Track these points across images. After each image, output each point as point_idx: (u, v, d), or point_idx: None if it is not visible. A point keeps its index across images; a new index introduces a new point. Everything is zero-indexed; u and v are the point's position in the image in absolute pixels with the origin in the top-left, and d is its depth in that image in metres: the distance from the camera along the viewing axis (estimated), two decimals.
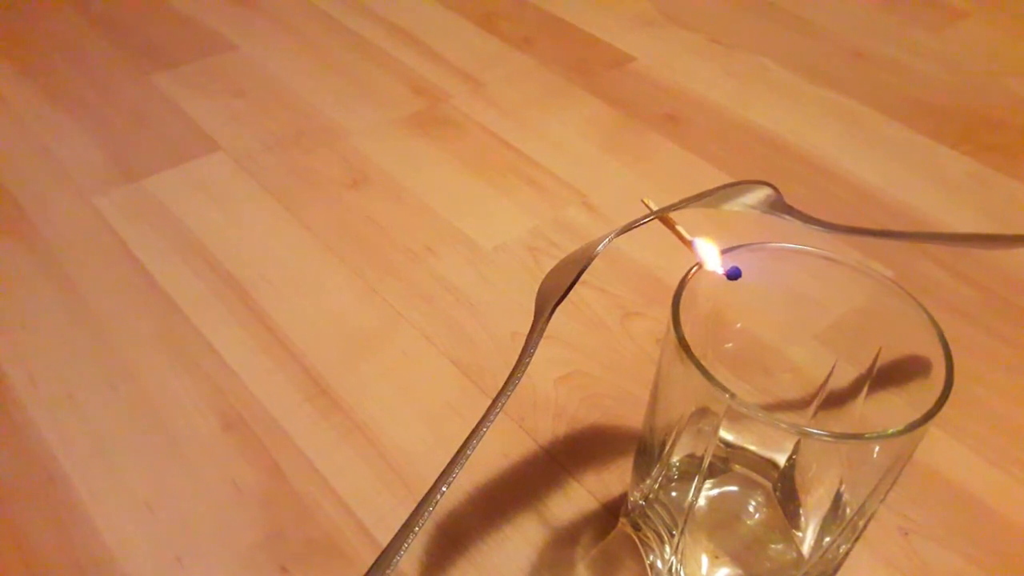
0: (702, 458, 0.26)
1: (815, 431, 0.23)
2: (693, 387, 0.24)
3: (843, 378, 0.30)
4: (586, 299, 0.42)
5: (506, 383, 0.24)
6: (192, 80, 0.56)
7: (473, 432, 0.23)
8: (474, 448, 0.23)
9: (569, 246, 0.44)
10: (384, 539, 0.31)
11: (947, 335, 0.40)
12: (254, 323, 0.40)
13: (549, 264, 0.44)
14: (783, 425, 0.23)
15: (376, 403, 0.36)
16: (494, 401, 0.23)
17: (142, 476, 0.33)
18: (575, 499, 0.33)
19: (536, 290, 0.27)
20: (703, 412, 0.26)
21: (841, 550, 0.28)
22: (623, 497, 0.33)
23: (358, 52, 0.59)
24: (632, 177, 0.50)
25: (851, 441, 0.25)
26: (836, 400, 0.30)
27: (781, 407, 0.32)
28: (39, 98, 0.54)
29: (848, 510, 0.27)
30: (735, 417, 0.28)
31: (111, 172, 0.48)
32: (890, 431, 0.23)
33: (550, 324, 0.40)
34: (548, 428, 0.36)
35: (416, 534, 0.22)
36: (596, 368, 0.38)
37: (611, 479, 0.34)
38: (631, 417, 0.36)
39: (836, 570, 0.29)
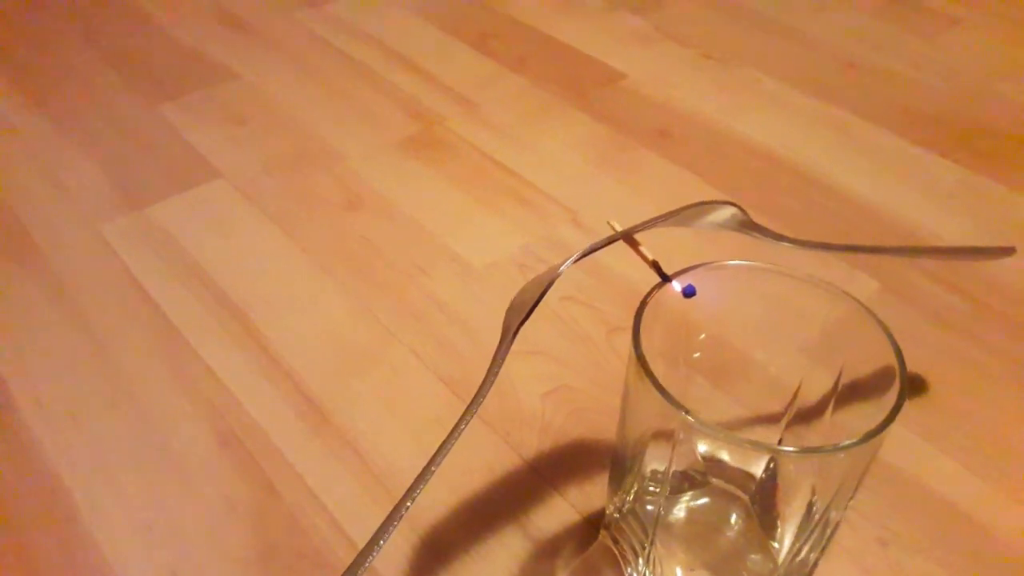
0: (672, 472, 0.27)
1: (765, 444, 0.24)
2: (654, 403, 0.25)
3: (812, 389, 0.30)
4: (573, 314, 0.43)
5: (471, 401, 0.25)
6: (196, 109, 0.57)
7: (438, 451, 0.24)
8: (439, 464, 0.24)
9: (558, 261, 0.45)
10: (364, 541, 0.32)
11: (935, 346, 0.41)
12: (250, 343, 0.41)
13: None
14: (731, 439, 0.24)
15: (366, 419, 0.38)
16: (459, 419, 0.24)
17: (141, 492, 0.35)
18: (557, 512, 0.34)
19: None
20: (667, 427, 0.27)
21: (811, 557, 0.28)
22: (604, 510, 0.34)
23: (356, 77, 0.61)
24: (623, 194, 0.51)
25: (810, 455, 0.25)
26: (807, 411, 0.31)
27: (755, 419, 0.32)
28: (48, 127, 0.56)
29: (817, 518, 0.28)
30: (701, 432, 0.29)
31: (117, 200, 0.50)
32: (846, 443, 0.24)
33: (537, 338, 0.41)
34: (533, 443, 0.37)
35: (380, 547, 0.23)
36: (582, 383, 0.39)
37: (593, 492, 0.35)
38: (614, 432, 0.37)
39: (810, 574, 0.29)
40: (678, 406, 0.24)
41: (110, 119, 0.57)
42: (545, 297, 0.40)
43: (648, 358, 0.25)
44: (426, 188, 0.51)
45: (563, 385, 0.39)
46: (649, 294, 0.27)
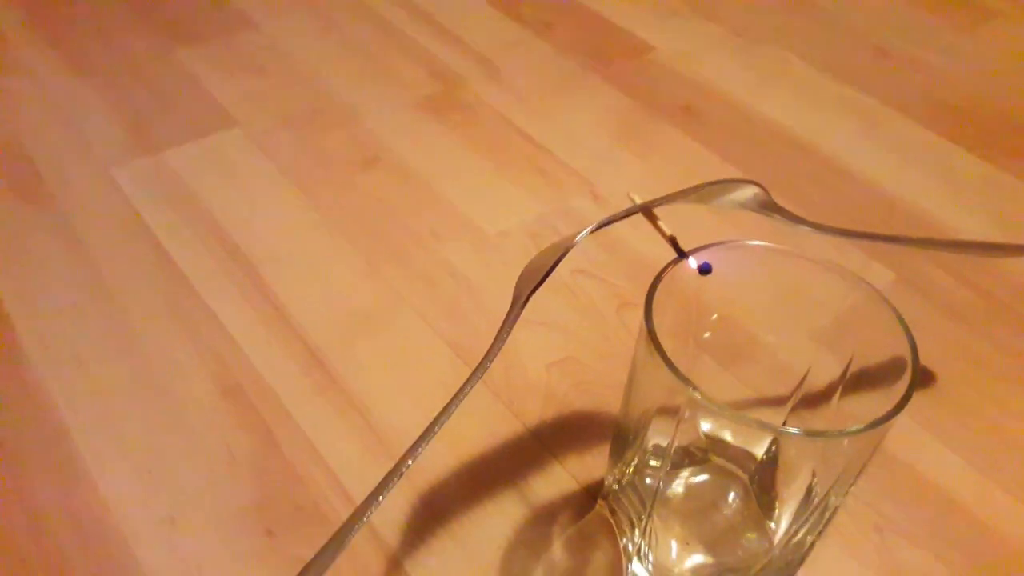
0: (670, 445, 0.27)
1: (770, 424, 0.24)
2: (662, 378, 0.25)
3: (821, 375, 0.30)
4: (584, 287, 0.42)
5: (477, 367, 0.25)
6: (214, 57, 0.57)
7: (443, 411, 0.24)
8: (442, 424, 0.24)
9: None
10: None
11: (946, 340, 0.40)
12: (259, 297, 0.41)
13: None
14: (737, 417, 0.24)
15: (371, 380, 0.38)
16: (464, 383, 0.24)
17: (142, 438, 0.35)
18: (556, 480, 0.34)
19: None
20: (673, 403, 0.26)
21: (808, 540, 0.28)
22: (603, 481, 0.34)
23: (379, 33, 0.60)
24: (643, 169, 0.50)
25: (816, 439, 0.25)
26: (814, 396, 0.31)
27: (761, 401, 0.32)
28: (64, 69, 0.55)
29: (816, 501, 0.28)
30: (707, 410, 0.28)
31: (130, 144, 0.50)
32: (852, 429, 0.23)
33: (546, 310, 0.41)
34: (536, 411, 0.37)
35: (379, 502, 0.23)
36: (589, 356, 0.39)
37: (593, 463, 0.35)
38: (619, 405, 0.37)
39: (802, 561, 0.29)
40: (686, 382, 0.24)
41: (126, 63, 0.56)
42: (557, 268, 0.40)
43: (658, 334, 0.25)
44: (443, 151, 0.50)
45: (570, 356, 0.39)
46: (664, 269, 0.26)
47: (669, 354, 0.25)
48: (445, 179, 0.48)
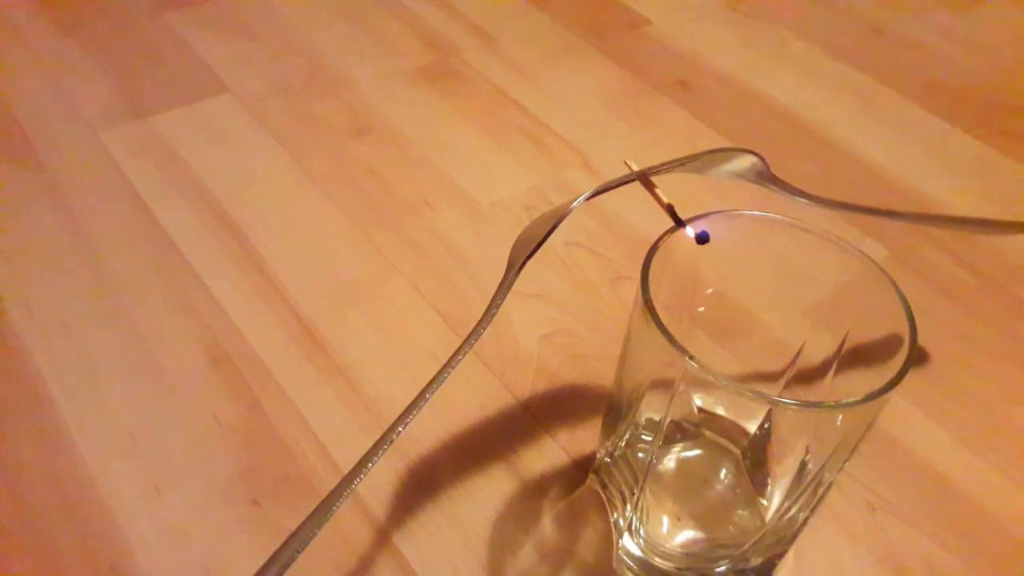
0: (659, 417, 0.26)
1: (773, 396, 0.23)
2: (658, 348, 0.25)
3: (815, 351, 0.30)
4: (578, 260, 0.42)
5: (470, 333, 0.24)
6: (205, 20, 0.56)
7: (434, 379, 0.24)
8: (433, 392, 0.23)
9: None
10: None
11: (939, 318, 0.40)
12: (248, 264, 0.40)
13: None
14: (736, 389, 0.23)
15: (361, 349, 0.37)
16: (457, 350, 0.24)
17: (128, 406, 0.34)
18: (547, 454, 0.34)
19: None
20: (668, 375, 0.26)
21: (800, 517, 0.28)
22: (594, 455, 0.33)
23: (372, 0, 0.59)
24: (637, 142, 0.50)
25: (811, 409, 0.25)
26: (807, 373, 0.30)
27: (754, 377, 0.32)
28: (53, 31, 0.54)
29: (809, 478, 0.27)
30: (701, 382, 0.28)
31: (119, 108, 0.49)
32: (849, 401, 0.23)
33: (539, 282, 0.40)
34: (528, 383, 0.36)
35: (367, 471, 0.23)
36: (582, 329, 0.39)
37: (584, 436, 0.34)
38: (612, 378, 0.37)
39: (794, 537, 0.29)
40: (682, 351, 0.23)
41: (115, 25, 0.55)
42: (550, 241, 0.39)
43: (647, 364, 0.24)
44: (437, 120, 0.50)
45: (563, 329, 0.39)
46: (661, 238, 0.26)
47: (657, 345, 0.24)
48: (438, 149, 0.48)
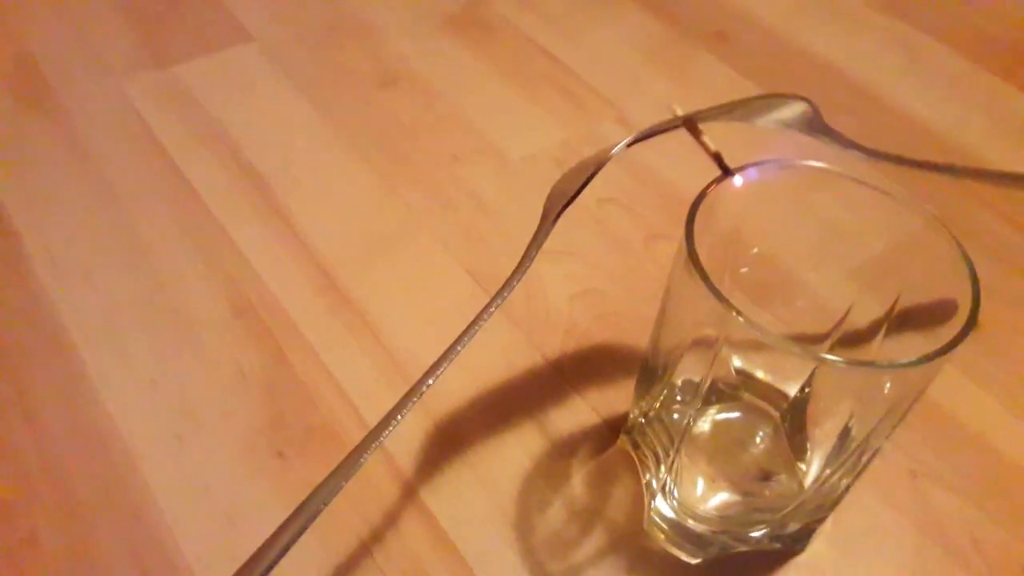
0: (695, 378, 0.25)
1: (820, 354, 0.22)
2: (700, 305, 0.23)
3: (863, 314, 0.28)
4: (611, 217, 0.41)
5: (504, 285, 0.23)
6: None
7: (465, 331, 0.23)
8: (464, 345, 0.22)
9: None
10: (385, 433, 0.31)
11: (989, 283, 0.38)
12: (272, 215, 0.39)
13: None
14: (784, 344, 0.22)
15: (386, 303, 0.36)
16: (490, 301, 0.23)
17: (150, 355, 0.34)
18: (577, 413, 0.33)
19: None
20: (708, 334, 0.25)
21: (842, 484, 0.27)
22: (626, 416, 0.32)
23: None
24: (674, 95, 0.48)
25: (860, 369, 0.24)
26: (854, 337, 0.29)
27: (797, 339, 0.31)
28: None
29: (854, 444, 0.26)
30: (743, 342, 0.27)
31: (143, 57, 0.48)
32: (902, 362, 0.22)
33: (571, 239, 0.39)
34: (557, 343, 0.35)
35: (396, 424, 0.22)
36: (614, 288, 0.37)
37: (615, 397, 0.33)
38: (644, 339, 0.35)
39: (835, 504, 0.28)
40: (728, 305, 0.22)
41: None
42: (582, 196, 0.38)
43: (687, 319, 0.23)
44: (466, 71, 0.48)
45: (594, 288, 0.37)
46: (708, 188, 0.24)
47: (699, 301, 0.23)
48: (467, 101, 0.46)
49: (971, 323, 0.22)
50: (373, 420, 0.32)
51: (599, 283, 0.38)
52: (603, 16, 0.53)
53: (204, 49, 0.48)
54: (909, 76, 0.50)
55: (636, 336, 0.36)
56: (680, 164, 0.42)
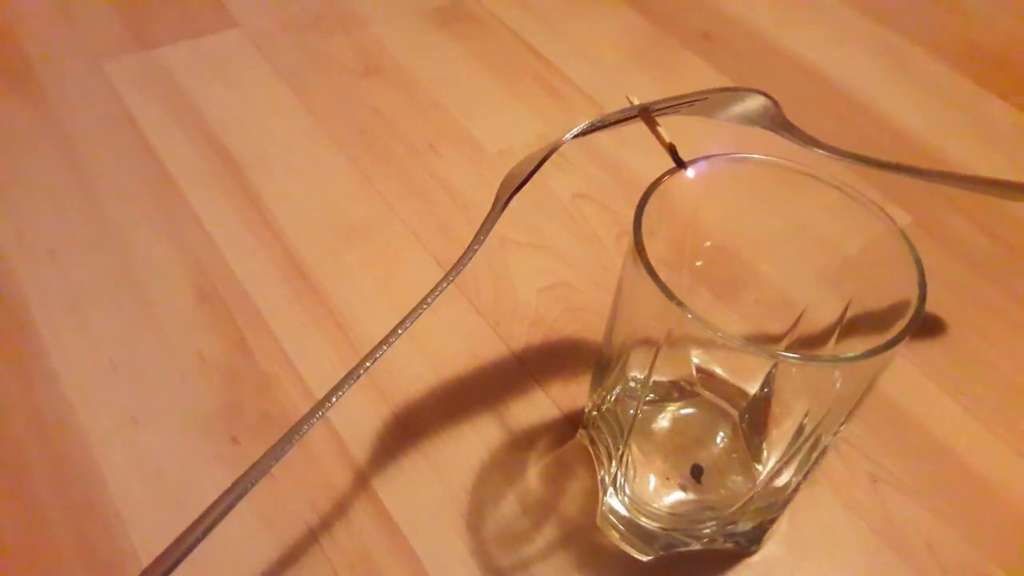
0: (655, 375, 0.25)
1: (764, 347, 0.22)
2: (650, 300, 0.23)
3: (819, 313, 0.28)
4: (585, 213, 0.40)
5: (451, 269, 0.23)
6: None
7: (410, 312, 0.23)
8: (405, 328, 0.22)
9: (574, 158, 0.43)
10: (338, 417, 0.31)
11: (959, 288, 0.38)
12: (244, 201, 0.39)
13: (554, 174, 0.42)
14: (726, 338, 0.22)
15: (353, 292, 0.36)
16: (436, 285, 0.23)
17: (111, 336, 0.34)
18: (538, 406, 0.33)
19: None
20: (658, 331, 0.25)
21: (792, 482, 0.27)
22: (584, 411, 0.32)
23: None
24: (656, 94, 0.47)
25: (813, 365, 0.23)
26: (810, 337, 0.29)
27: (755, 338, 0.30)
28: None
29: (804, 441, 0.26)
30: (698, 339, 0.27)
31: (125, 38, 0.48)
32: (851, 355, 0.22)
33: (543, 233, 0.39)
34: (523, 335, 0.35)
35: (332, 404, 0.22)
36: (583, 283, 0.37)
37: (577, 391, 0.33)
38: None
39: (786, 503, 0.28)
40: (674, 299, 0.22)
41: None
42: (556, 191, 0.38)
43: (649, 261, 0.23)
44: (448, 63, 0.48)
45: (563, 282, 0.37)
46: (659, 180, 0.24)
47: (650, 321, 0.23)
48: (448, 93, 0.46)
49: (914, 321, 0.22)
50: (330, 409, 0.32)
51: (569, 277, 0.37)
52: (589, 13, 0.52)
53: (188, 33, 0.48)
54: (892, 82, 0.50)
55: (600, 331, 0.35)
56: (656, 162, 0.42)
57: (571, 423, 0.32)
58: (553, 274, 0.38)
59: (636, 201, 0.42)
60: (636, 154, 0.43)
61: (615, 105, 0.46)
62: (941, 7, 0.56)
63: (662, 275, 0.23)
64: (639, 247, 0.22)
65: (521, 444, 0.31)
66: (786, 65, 0.50)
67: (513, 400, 0.33)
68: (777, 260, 0.29)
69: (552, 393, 0.33)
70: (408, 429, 0.32)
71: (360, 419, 0.31)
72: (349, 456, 0.30)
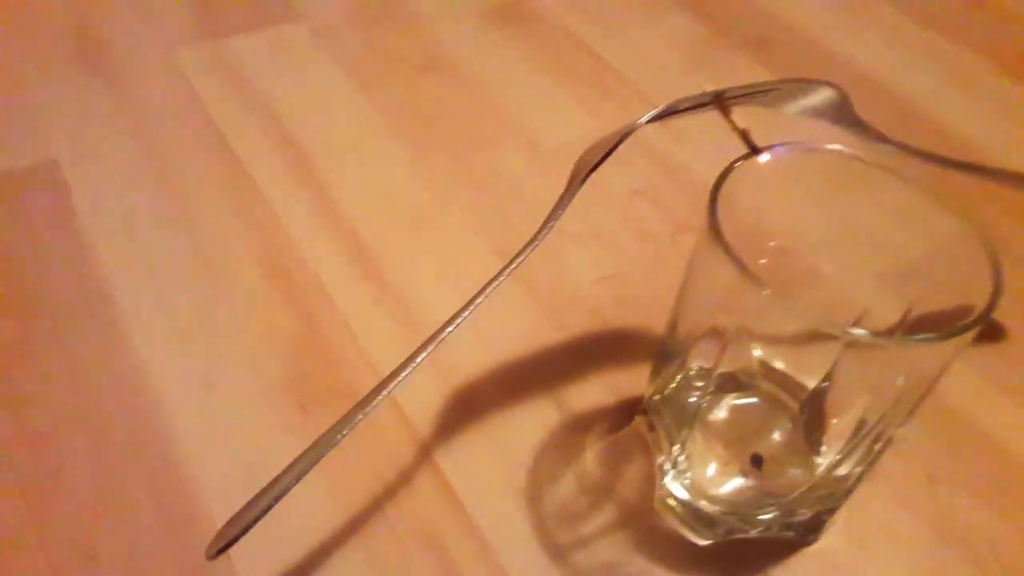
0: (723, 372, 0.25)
1: (837, 324, 0.22)
2: (721, 279, 0.24)
3: (879, 314, 0.28)
4: (640, 209, 0.41)
5: (525, 246, 0.24)
6: None
7: (482, 290, 0.23)
8: (479, 303, 0.23)
9: (631, 156, 0.43)
10: (403, 394, 0.32)
11: (1017, 293, 0.38)
12: (311, 186, 0.40)
13: (610, 170, 0.43)
14: (801, 314, 0.22)
15: (414, 275, 0.37)
16: (509, 261, 0.23)
17: (186, 307, 0.35)
18: (594, 392, 0.33)
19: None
20: (724, 321, 0.25)
21: (853, 473, 0.27)
22: (642, 399, 0.33)
23: None
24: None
25: (879, 354, 0.24)
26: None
27: (815, 336, 0.30)
28: None
29: (866, 433, 0.26)
30: (763, 334, 0.27)
31: (196, 26, 0.49)
32: (921, 337, 0.22)
33: (600, 227, 0.40)
34: (579, 323, 0.36)
35: (400, 380, 0.22)
36: (640, 276, 0.38)
37: (633, 380, 0.34)
38: (666, 325, 0.36)
39: (847, 494, 0.28)
40: (753, 277, 0.22)
41: None
42: (612, 188, 0.38)
43: (708, 297, 0.23)
44: (507, 61, 0.49)
45: (620, 273, 0.38)
46: (734, 163, 0.25)
47: (719, 279, 0.23)
48: (506, 89, 0.47)
49: (989, 309, 0.22)
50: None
51: (626, 269, 0.38)
52: (646, 16, 0.53)
53: (256, 23, 0.50)
54: (952, 92, 0.50)
55: (658, 323, 0.36)
56: (713, 162, 0.42)
57: (627, 410, 0.33)
58: (610, 265, 0.38)
59: (690, 200, 0.42)
60: (693, 154, 0.43)
61: None
62: (1004, 20, 0.56)
63: (720, 306, 0.23)
64: (715, 227, 0.23)
65: (578, 427, 0.32)
66: (841, 70, 0.51)
67: (570, 385, 0.33)
68: (841, 260, 0.29)
69: (608, 380, 0.34)
70: (469, 408, 0.32)
71: (423, 397, 0.32)
72: (413, 431, 0.31)
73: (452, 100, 0.46)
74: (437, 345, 0.24)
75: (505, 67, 0.49)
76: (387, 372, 0.33)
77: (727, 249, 0.22)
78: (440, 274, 0.37)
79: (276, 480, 0.23)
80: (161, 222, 0.38)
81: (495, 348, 0.34)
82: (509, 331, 0.35)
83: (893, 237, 0.28)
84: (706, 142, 0.29)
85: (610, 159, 0.44)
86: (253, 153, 0.42)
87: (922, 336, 0.22)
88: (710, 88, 0.26)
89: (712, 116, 0.45)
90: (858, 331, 0.22)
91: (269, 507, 0.23)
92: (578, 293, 0.37)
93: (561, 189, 0.42)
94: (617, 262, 0.38)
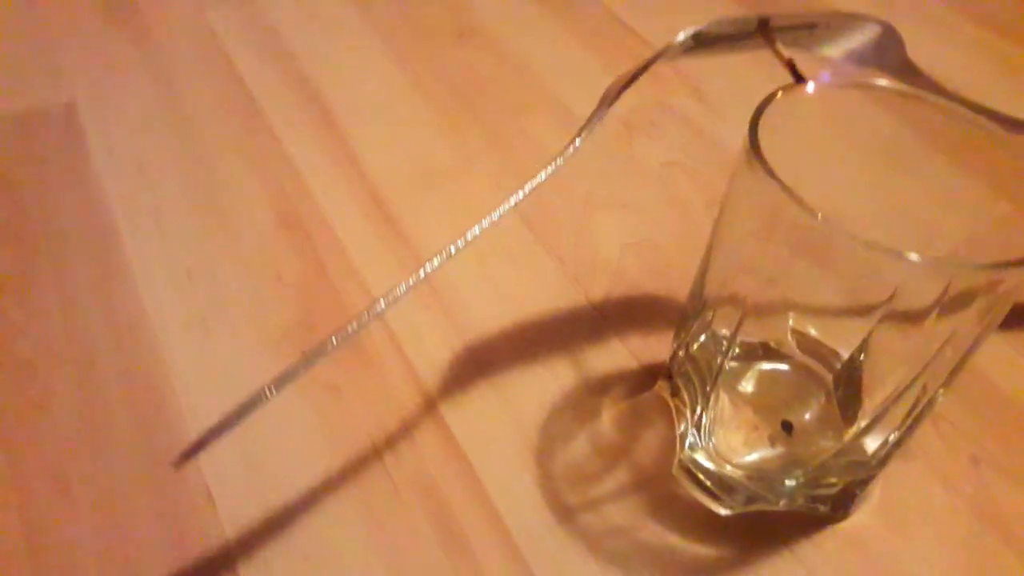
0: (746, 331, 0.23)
1: (891, 247, 0.20)
2: (763, 203, 0.22)
3: (919, 289, 0.26)
4: (675, 178, 0.39)
5: (546, 166, 0.22)
6: None
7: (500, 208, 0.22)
8: (475, 235, 0.21)
9: (669, 128, 0.42)
10: (410, 346, 0.31)
11: None
12: (332, 140, 0.39)
13: (643, 142, 0.41)
14: (845, 234, 0.20)
15: (431, 231, 0.35)
16: (541, 171, 0.22)
17: (190, 249, 0.33)
18: (614, 355, 0.31)
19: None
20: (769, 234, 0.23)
21: (890, 439, 0.25)
22: (665, 363, 0.31)
23: None
24: (750, 77, 0.46)
25: (943, 267, 0.21)
26: (907, 313, 0.27)
27: (848, 308, 0.28)
28: None
29: (901, 399, 0.24)
30: (800, 303, 0.25)
31: None
32: (983, 264, 0.20)
33: (631, 196, 0.38)
34: (603, 287, 0.34)
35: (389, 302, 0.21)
36: (668, 242, 0.36)
37: (656, 345, 0.32)
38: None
39: (879, 464, 0.26)
40: (791, 192, 0.20)
41: None
42: (646, 158, 0.37)
43: (744, 234, 0.21)
44: (543, 33, 0.48)
45: (648, 239, 0.36)
46: (777, 91, 0.23)
47: (752, 254, 0.21)
48: (540, 61, 0.46)
49: None
50: (400, 331, 0.31)
51: (655, 236, 0.36)
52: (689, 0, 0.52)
53: None
54: (1001, 87, 0.48)
55: (685, 290, 0.34)
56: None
57: (649, 374, 0.31)
58: (639, 231, 0.36)
59: (725, 171, 0.40)
60: (727, 126, 0.42)
61: (710, 83, 0.45)
62: None
63: (756, 245, 0.21)
64: (755, 147, 0.21)
65: (595, 389, 0.30)
66: None
67: (589, 347, 0.32)
68: (879, 231, 0.26)
69: (630, 344, 0.32)
70: (481, 363, 0.30)
71: (433, 350, 0.31)
72: (419, 382, 0.29)
73: (484, 68, 0.45)
74: (445, 261, 0.22)
75: (540, 40, 0.47)
76: (396, 322, 0.31)
77: (770, 172, 0.21)
78: (458, 231, 0.35)
79: (253, 396, 0.22)
80: (176, 169, 0.37)
81: (513, 307, 0.33)
82: (529, 292, 0.33)
83: (936, 218, 0.25)
84: (743, 116, 0.27)
85: (644, 130, 0.42)
86: (276, 105, 0.41)
87: (981, 264, 0.19)
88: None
89: (752, 84, 0.43)
90: (913, 256, 0.20)
91: (242, 413, 0.21)
92: (603, 257, 0.35)
93: (593, 157, 0.40)
94: (646, 228, 0.37)
